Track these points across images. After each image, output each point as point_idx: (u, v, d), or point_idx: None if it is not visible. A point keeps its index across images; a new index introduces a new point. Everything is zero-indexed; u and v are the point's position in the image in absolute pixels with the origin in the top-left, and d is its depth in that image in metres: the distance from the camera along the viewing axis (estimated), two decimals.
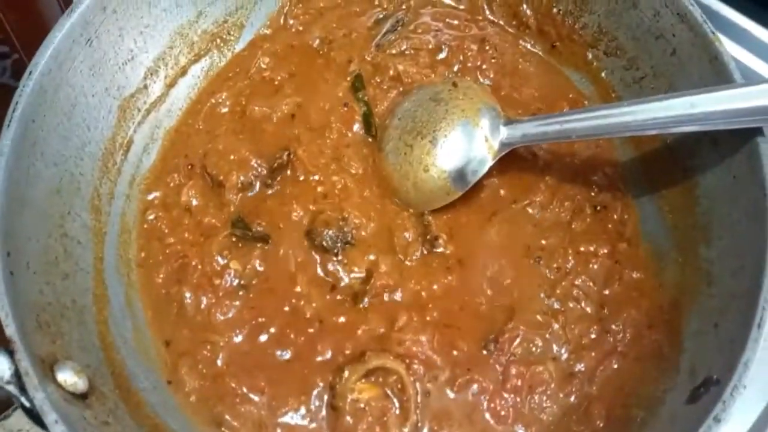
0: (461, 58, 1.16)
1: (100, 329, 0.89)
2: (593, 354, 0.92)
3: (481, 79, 1.14)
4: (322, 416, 0.88)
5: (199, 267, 0.97)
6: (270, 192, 1.03)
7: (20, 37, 1.14)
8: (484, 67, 1.14)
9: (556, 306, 0.95)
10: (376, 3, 1.22)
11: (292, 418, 0.88)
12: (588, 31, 1.13)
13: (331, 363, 0.91)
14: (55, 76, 0.91)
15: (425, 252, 0.99)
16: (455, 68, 1.16)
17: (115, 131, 1.02)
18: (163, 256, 1.00)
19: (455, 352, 0.91)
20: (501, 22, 1.21)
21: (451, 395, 0.89)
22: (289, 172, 1.04)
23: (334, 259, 0.98)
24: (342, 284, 0.96)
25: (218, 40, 1.17)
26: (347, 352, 0.91)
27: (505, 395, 0.89)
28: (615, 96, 1.11)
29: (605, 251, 0.99)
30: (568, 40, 1.16)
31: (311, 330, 0.93)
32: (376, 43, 1.19)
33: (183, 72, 1.13)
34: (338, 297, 0.95)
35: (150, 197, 1.05)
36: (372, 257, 0.98)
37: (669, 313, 0.92)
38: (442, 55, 1.17)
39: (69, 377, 0.74)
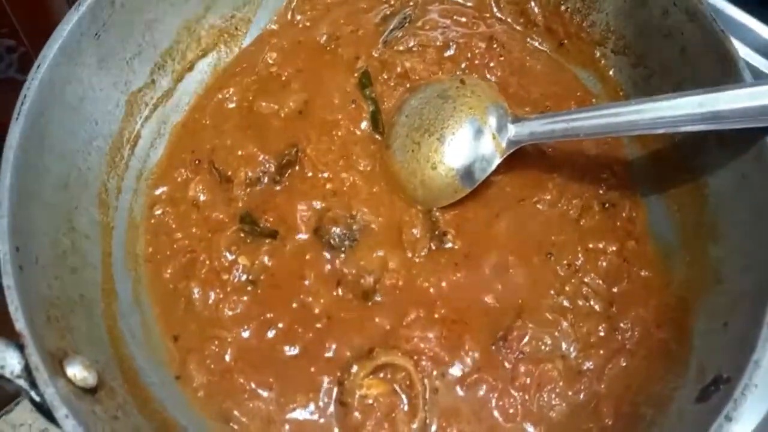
0: (469, 55, 1.16)
1: (108, 324, 0.89)
2: (602, 352, 0.92)
3: (489, 77, 1.14)
4: (331, 412, 0.88)
5: (207, 262, 0.97)
6: (278, 188, 1.03)
7: (27, 30, 1.14)
8: (491, 64, 1.14)
9: (565, 304, 0.95)
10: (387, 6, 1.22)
11: (300, 414, 0.88)
12: (596, 29, 1.13)
13: (340, 359, 0.91)
14: (62, 70, 0.90)
15: (433, 248, 0.99)
16: (463, 65, 1.15)
17: (122, 126, 1.02)
18: (171, 251, 0.99)
19: (463, 350, 0.91)
20: (509, 20, 1.21)
21: (460, 392, 0.89)
22: (297, 168, 1.04)
23: (342, 255, 0.98)
24: (350, 280, 0.96)
25: (225, 35, 1.17)
26: (355, 348, 0.91)
27: (514, 393, 0.89)
28: (623, 94, 1.11)
29: (614, 249, 0.99)
30: (575, 38, 1.16)
31: (319, 326, 0.93)
32: (383, 40, 1.19)
33: (190, 67, 1.13)
34: (346, 293, 0.95)
35: (157, 192, 1.05)
36: (380, 253, 0.98)
37: (677, 312, 0.91)
38: (449, 52, 1.17)
39: (78, 372, 0.74)
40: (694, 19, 0.97)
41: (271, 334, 0.93)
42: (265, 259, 0.98)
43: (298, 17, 1.20)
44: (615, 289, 0.96)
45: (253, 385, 0.90)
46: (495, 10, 1.22)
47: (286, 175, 1.04)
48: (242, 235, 0.99)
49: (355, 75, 1.13)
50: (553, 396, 0.89)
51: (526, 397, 0.89)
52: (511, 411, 0.88)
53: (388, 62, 1.14)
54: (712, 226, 0.93)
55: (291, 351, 0.92)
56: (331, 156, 1.05)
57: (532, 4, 1.19)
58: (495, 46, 1.17)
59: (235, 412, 0.88)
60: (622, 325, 0.93)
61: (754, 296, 0.79)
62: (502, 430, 0.88)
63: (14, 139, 0.81)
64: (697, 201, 0.96)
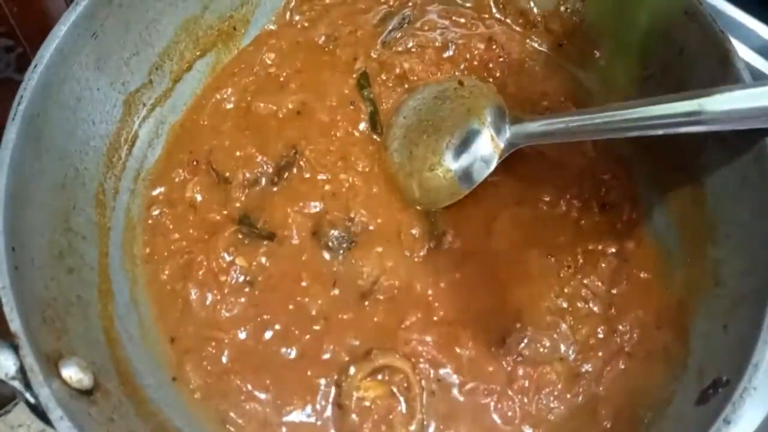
0: (468, 56, 1.15)
1: (105, 325, 0.88)
2: (600, 354, 0.92)
3: (488, 78, 1.14)
4: (328, 415, 0.88)
5: (205, 263, 0.97)
6: (276, 189, 1.03)
7: (24, 30, 1.13)
8: (490, 65, 1.14)
9: (564, 306, 0.94)
10: (382, 0, 1.21)
11: (297, 416, 0.88)
12: (595, 29, 1.13)
13: (337, 361, 0.91)
14: (60, 69, 0.90)
15: (432, 248, 0.99)
16: (461, 66, 1.15)
17: (120, 126, 1.02)
18: (168, 252, 0.99)
19: (462, 352, 0.91)
20: (508, 21, 1.21)
21: (458, 395, 0.89)
22: (295, 170, 1.04)
23: (340, 257, 0.98)
24: (348, 282, 0.96)
25: (223, 36, 1.16)
26: (353, 350, 0.91)
27: (512, 395, 0.88)
28: (622, 95, 1.10)
29: (613, 250, 0.99)
30: (575, 38, 1.15)
31: (317, 327, 0.93)
32: (382, 41, 1.19)
33: (188, 67, 1.12)
34: (344, 295, 0.95)
35: (155, 193, 1.04)
36: (378, 254, 0.98)
37: (677, 314, 0.91)
38: (448, 53, 1.16)
39: (74, 373, 0.74)
40: (694, 19, 0.97)
41: (268, 335, 0.93)
42: (263, 260, 0.97)
43: (297, 18, 1.20)
44: (614, 291, 0.96)
45: (249, 387, 0.89)
46: (494, 10, 1.22)
47: (285, 176, 1.04)
48: (240, 236, 0.99)
49: (354, 76, 1.13)
50: (552, 398, 0.89)
51: (525, 399, 0.88)
52: (509, 414, 0.88)
53: (386, 63, 1.14)
54: (711, 227, 0.92)
55: (288, 353, 0.92)
56: (329, 157, 1.05)
57: (531, 4, 1.18)
58: (494, 47, 1.17)
59: (232, 414, 0.88)
60: (621, 327, 0.93)
61: (754, 299, 0.78)
62: None
63: (11, 139, 0.81)
64: (697, 202, 0.95)
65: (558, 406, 0.89)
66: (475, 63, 1.14)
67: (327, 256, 0.98)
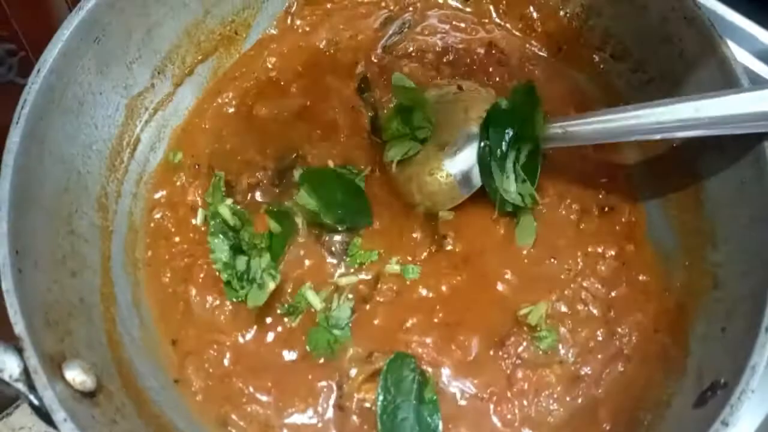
0: (468, 61, 1.16)
1: (107, 328, 0.89)
2: (599, 357, 0.92)
3: (488, 83, 1.14)
4: (329, 417, 0.88)
5: (206, 267, 0.97)
6: (277, 192, 1.03)
7: (27, 34, 1.14)
8: (490, 70, 1.14)
9: (564, 309, 0.95)
10: (383, 5, 1.22)
11: (298, 419, 0.88)
12: (595, 34, 1.13)
13: (338, 363, 0.91)
14: (63, 74, 0.90)
15: (433, 251, 0.99)
16: (461, 71, 1.15)
17: (122, 130, 1.02)
18: (170, 255, 1.00)
19: (462, 354, 0.92)
20: (508, 25, 1.22)
21: (458, 397, 0.89)
22: (295, 174, 1.04)
23: (343, 260, 0.98)
24: (350, 285, 0.96)
25: (225, 40, 1.17)
26: (354, 352, 0.91)
27: (512, 398, 0.89)
28: (621, 99, 1.10)
29: (613, 253, 0.99)
30: (574, 43, 1.16)
31: None
32: (382, 45, 1.19)
33: (190, 71, 1.13)
34: (347, 297, 0.95)
35: (157, 196, 1.05)
36: (380, 257, 0.98)
37: (675, 316, 0.92)
38: (448, 58, 1.17)
39: (77, 375, 0.74)
40: (692, 24, 0.97)
41: (269, 338, 0.93)
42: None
43: (298, 22, 1.21)
44: (613, 294, 0.96)
45: (251, 390, 0.90)
46: (494, 15, 1.22)
47: (285, 180, 1.04)
48: None
49: (355, 80, 1.14)
50: (551, 401, 0.90)
51: (524, 402, 0.89)
52: (509, 416, 0.88)
53: (387, 67, 1.15)
54: (710, 231, 0.93)
55: (289, 356, 0.92)
56: (330, 161, 1.05)
57: (531, 9, 1.19)
58: (494, 51, 1.17)
59: (233, 416, 0.89)
60: (620, 330, 0.93)
61: (753, 301, 0.79)
62: None
63: (14, 143, 0.81)
64: (696, 206, 0.96)
65: (557, 408, 0.89)
66: (475, 68, 1.14)
67: (329, 259, 0.99)
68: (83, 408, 0.73)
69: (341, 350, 0.92)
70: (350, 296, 0.95)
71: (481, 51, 1.18)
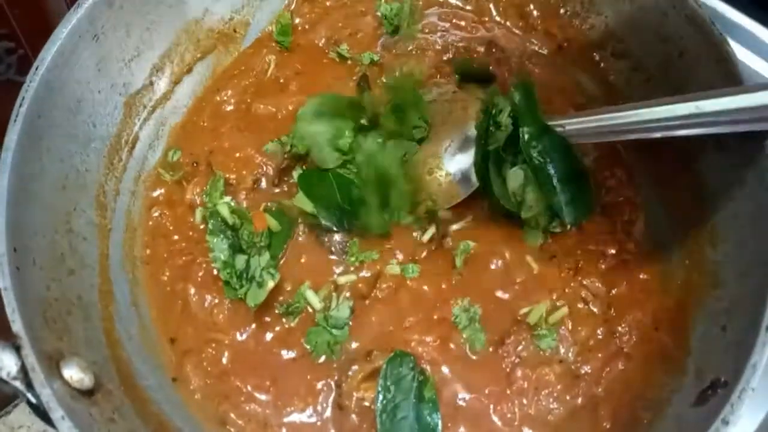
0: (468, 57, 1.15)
1: (105, 326, 0.88)
2: (600, 355, 0.92)
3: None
4: (328, 416, 0.88)
5: (204, 265, 0.97)
6: (277, 191, 1.03)
7: (26, 32, 1.14)
8: (490, 68, 1.14)
9: (564, 307, 0.94)
10: (383, 2, 1.22)
11: (297, 417, 0.88)
12: (595, 32, 1.13)
13: (337, 362, 0.91)
14: (61, 72, 0.91)
15: (433, 250, 0.99)
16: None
17: (120, 128, 1.02)
18: (168, 253, 1.00)
19: (461, 353, 0.91)
20: (508, 24, 1.21)
21: (457, 396, 0.89)
22: (295, 173, 1.04)
23: (343, 258, 0.98)
24: (349, 283, 0.96)
25: (224, 38, 1.17)
26: (354, 351, 0.91)
27: (512, 397, 0.89)
28: (622, 98, 1.10)
29: (613, 251, 0.99)
30: (574, 41, 1.16)
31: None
32: (382, 43, 1.19)
33: (188, 69, 1.13)
34: (345, 296, 0.95)
35: (155, 194, 1.05)
36: (380, 255, 0.98)
37: (676, 315, 0.91)
38: (448, 56, 1.17)
39: (75, 373, 0.74)
40: (693, 22, 0.97)
41: (268, 337, 0.93)
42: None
43: (297, 20, 1.20)
44: (613, 292, 0.96)
45: (249, 388, 0.90)
46: (494, 13, 1.22)
47: (286, 179, 1.04)
48: None
49: (354, 78, 1.13)
50: (551, 400, 0.89)
51: (524, 401, 0.89)
52: (508, 415, 0.88)
53: (386, 66, 1.15)
54: (710, 229, 0.93)
55: (288, 354, 0.92)
56: None
57: (531, 7, 1.19)
58: (494, 50, 1.17)
59: (232, 415, 0.88)
60: (620, 328, 0.93)
61: (753, 300, 0.78)
62: None
63: (12, 140, 0.82)
64: (696, 205, 0.96)
65: (557, 407, 0.89)
66: (475, 66, 1.14)
67: (328, 258, 0.98)
68: (81, 406, 0.73)
69: (340, 349, 0.91)
70: (347, 294, 0.95)
71: (481, 49, 1.17)
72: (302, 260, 0.99)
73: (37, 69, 0.87)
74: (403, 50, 1.17)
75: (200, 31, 1.13)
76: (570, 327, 0.93)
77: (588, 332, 0.93)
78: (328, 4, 1.22)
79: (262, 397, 0.89)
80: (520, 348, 0.91)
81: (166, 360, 0.92)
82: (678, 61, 1.01)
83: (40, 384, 0.69)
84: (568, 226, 0.99)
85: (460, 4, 1.23)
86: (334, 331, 0.92)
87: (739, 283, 0.85)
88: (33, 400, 0.70)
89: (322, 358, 0.91)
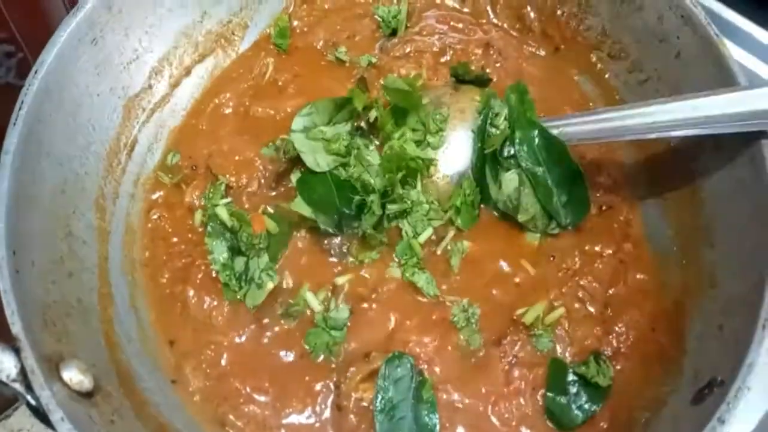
0: (466, 61, 1.16)
1: (105, 328, 0.89)
2: None
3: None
4: (326, 417, 0.88)
5: (203, 267, 0.97)
6: (273, 194, 1.03)
7: (25, 36, 1.14)
8: (488, 70, 1.14)
9: (561, 308, 0.94)
10: (381, 5, 1.22)
11: (296, 419, 0.88)
12: (592, 33, 1.13)
13: (336, 363, 0.91)
14: (60, 75, 0.91)
15: (432, 250, 0.99)
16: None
17: (119, 131, 1.03)
18: (167, 255, 1.00)
19: (459, 354, 0.91)
20: (505, 26, 1.22)
21: (455, 396, 0.89)
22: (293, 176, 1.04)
23: (342, 259, 0.98)
24: (348, 284, 0.96)
25: (222, 41, 1.17)
26: (352, 352, 0.91)
27: (509, 397, 0.89)
28: (619, 98, 1.11)
29: (610, 251, 0.99)
30: (572, 42, 1.16)
31: None
32: (379, 46, 1.19)
33: (187, 72, 1.13)
34: (344, 297, 0.95)
35: (154, 197, 1.05)
36: (379, 257, 0.98)
37: (673, 315, 0.92)
38: (446, 58, 1.17)
39: (74, 376, 0.74)
40: (689, 23, 0.97)
41: (267, 339, 0.93)
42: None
43: (295, 23, 1.21)
44: (611, 292, 0.96)
45: (248, 390, 0.90)
46: (491, 16, 1.22)
47: (284, 181, 1.04)
48: None
49: (352, 80, 1.14)
50: None
51: (522, 401, 0.89)
52: (506, 415, 0.88)
53: (384, 68, 1.15)
54: (707, 229, 0.93)
55: (287, 356, 0.92)
56: None
57: (528, 8, 1.19)
58: (491, 52, 1.17)
59: (231, 417, 0.88)
60: (617, 328, 0.93)
61: (749, 300, 0.79)
62: None
63: (12, 144, 0.82)
64: (693, 205, 0.96)
65: None
66: (473, 68, 1.14)
67: (327, 260, 0.98)
68: (80, 408, 0.74)
69: (339, 350, 0.91)
70: (347, 296, 0.95)
71: (479, 51, 1.18)
72: (301, 262, 0.99)
73: (36, 72, 0.88)
74: (401, 52, 1.18)
75: (199, 34, 1.14)
76: (567, 327, 0.93)
77: (585, 332, 0.93)
78: (326, 6, 1.23)
79: (261, 398, 0.89)
80: (516, 348, 0.91)
81: (165, 362, 0.92)
82: (675, 61, 1.01)
83: (40, 386, 0.69)
84: (566, 228, 0.99)
85: (457, 7, 1.24)
86: (333, 332, 0.92)
87: (736, 282, 0.85)
88: (32, 402, 0.70)
89: (321, 358, 0.91)
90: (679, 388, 0.83)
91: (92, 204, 0.96)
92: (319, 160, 0.96)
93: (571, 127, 0.97)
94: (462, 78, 1.10)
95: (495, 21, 1.22)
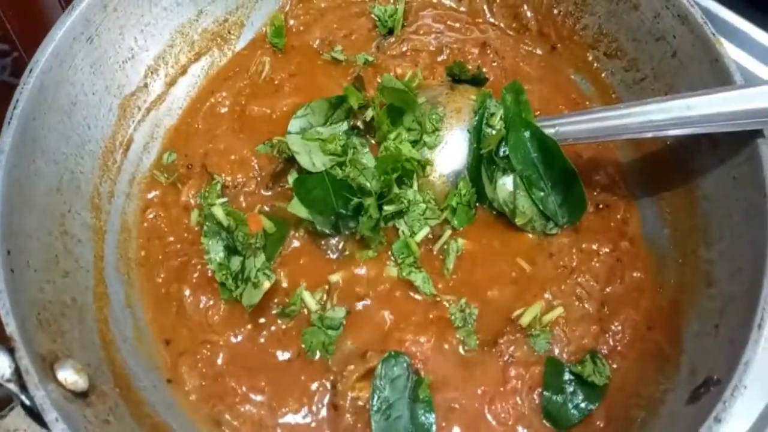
0: (462, 60, 1.15)
1: (100, 328, 0.88)
2: None
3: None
4: (323, 416, 0.88)
5: (199, 267, 0.97)
6: (270, 193, 1.03)
7: (21, 34, 1.14)
8: (484, 70, 1.14)
9: (558, 307, 0.94)
10: (377, 4, 1.22)
11: (292, 418, 0.88)
12: (588, 32, 1.14)
13: (332, 362, 0.91)
14: (55, 74, 0.91)
15: (429, 249, 0.99)
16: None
17: (115, 130, 1.02)
18: (163, 255, 0.99)
19: (456, 353, 0.91)
20: (501, 25, 1.22)
21: (452, 396, 0.89)
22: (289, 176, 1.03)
23: (339, 258, 0.98)
24: (344, 283, 0.96)
25: (219, 39, 1.17)
26: (349, 351, 0.91)
27: (506, 396, 0.88)
28: (615, 97, 1.11)
29: (607, 249, 0.99)
30: (568, 41, 1.16)
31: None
32: (376, 44, 1.19)
33: (183, 71, 1.13)
34: (340, 297, 0.95)
35: (150, 196, 1.05)
36: (375, 255, 0.97)
37: (669, 314, 0.92)
38: (442, 57, 1.17)
39: (69, 375, 0.74)
40: (685, 22, 0.98)
41: (263, 338, 0.93)
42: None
43: (292, 21, 1.21)
44: (608, 290, 0.96)
45: (244, 389, 0.89)
46: (488, 15, 1.23)
47: (281, 181, 1.04)
48: None
49: (348, 79, 1.13)
50: None
51: (518, 400, 0.89)
52: (503, 415, 0.88)
53: (380, 67, 1.15)
54: (704, 228, 0.93)
55: (283, 355, 0.92)
56: None
57: (525, 7, 1.19)
58: (488, 51, 1.17)
59: (227, 416, 0.88)
60: (613, 327, 0.93)
61: (745, 299, 0.79)
62: None
63: (6, 143, 0.82)
64: (690, 203, 0.96)
65: None
66: (469, 67, 1.14)
67: (324, 259, 0.98)
68: (75, 408, 0.73)
69: (335, 349, 0.91)
70: (343, 294, 0.95)
71: (475, 51, 1.18)
72: (298, 261, 0.98)
73: (31, 71, 0.88)
74: (398, 51, 1.18)
75: (195, 32, 1.14)
76: (564, 326, 0.93)
77: (582, 331, 0.93)
78: (322, 5, 1.22)
79: (257, 398, 0.89)
80: (512, 348, 0.91)
81: (160, 361, 0.92)
82: (671, 60, 1.01)
83: (34, 386, 0.69)
84: (563, 227, 1.00)
85: (453, 6, 1.24)
86: (329, 331, 0.92)
87: (733, 281, 0.85)
88: (27, 402, 0.70)
89: (317, 356, 0.91)
90: (675, 386, 0.83)
91: (87, 203, 0.96)
92: (314, 160, 0.96)
93: (567, 127, 0.97)
94: (458, 78, 1.10)
95: (491, 20, 1.22)
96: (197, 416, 0.89)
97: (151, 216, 1.03)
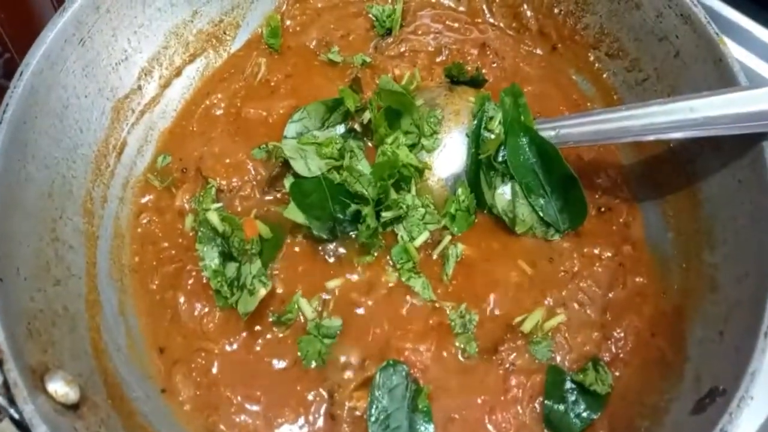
0: (461, 61, 1.14)
1: (92, 336, 0.87)
2: None
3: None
4: (319, 426, 0.86)
5: (194, 273, 0.95)
6: (268, 197, 1.01)
7: (12, 36, 1.12)
8: (484, 71, 1.12)
9: (561, 313, 0.93)
10: (375, 4, 1.20)
11: (288, 429, 0.86)
12: (589, 32, 1.12)
13: (329, 371, 0.89)
14: (47, 76, 0.89)
15: (428, 254, 0.97)
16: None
17: (108, 133, 1.01)
18: (157, 261, 0.98)
19: (455, 361, 0.90)
20: (501, 25, 1.20)
21: (451, 404, 0.87)
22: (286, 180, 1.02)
23: (337, 264, 0.96)
24: (341, 289, 0.94)
25: (214, 40, 1.16)
26: (346, 359, 0.90)
27: (506, 405, 0.87)
28: (617, 98, 1.10)
29: (610, 254, 0.98)
30: (569, 41, 1.15)
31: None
32: (374, 45, 1.18)
33: (178, 72, 1.11)
34: (337, 303, 0.93)
35: (144, 200, 1.03)
36: (374, 259, 0.96)
37: (673, 320, 0.90)
38: (441, 58, 1.16)
39: (60, 387, 0.73)
40: (689, 22, 0.96)
41: (258, 346, 0.91)
42: None
43: (288, 22, 1.19)
44: (610, 295, 0.95)
45: (240, 399, 0.88)
46: (487, 15, 1.21)
47: (277, 185, 1.02)
48: None
49: (345, 80, 1.12)
50: None
51: (519, 409, 0.87)
52: (503, 424, 0.86)
53: (378, 68, 1.13)
54: (707, 232, 0.92)
55: (279, 364, 0.90)
56: None
57: (525, 7, 1.17)
58: (488, 52, 1.16)
59: (222, 427, 0.87)
60: (616, 333, 0.92)
61: (750, 305, 0.78)
62: None
63: None
64: (693, 207, 0.95)
65: None
66: (468, 68, 1.12)
67: (321, 266, 0.96)
68: (65, 421, 0.72)
69: (332, 358, 0.90)
70: (337, 304, 0.93)
71: (475, 51, 1.16)
72: (295, 268, 0.97)
73: (22, 73, 0.86)
74: (396, 52, 1.16)
75: (189, 33, 1.12)
76: (565, 333, 0.92)
77: (584, 338, 0.92)
78: (319, 5, 1.21)
79: (253, 407, 0.88)
80: (513, 356, 0.90)
81: (154, 370, 0.91)
82: (674, 60, 1.00)
83: (23, 400, 0.68)
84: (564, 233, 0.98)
85: (452, 6, 1.22)
86: (325, 340, 0.90)
87: (737, 287, 0.83)
88: (15, 416, 0.68)
89: (313, 365, 0.90)
90: (679, 395, 0.82)
91: (80, 208, 0.95)
92: (310, 165, 0.95)
93: (568, 129, 0.96)
94: (456, 79, 1.08)
95: (491, 20, 1.21)
96: (191, 427, 0.87)
97: (145, 221, 1.01)
